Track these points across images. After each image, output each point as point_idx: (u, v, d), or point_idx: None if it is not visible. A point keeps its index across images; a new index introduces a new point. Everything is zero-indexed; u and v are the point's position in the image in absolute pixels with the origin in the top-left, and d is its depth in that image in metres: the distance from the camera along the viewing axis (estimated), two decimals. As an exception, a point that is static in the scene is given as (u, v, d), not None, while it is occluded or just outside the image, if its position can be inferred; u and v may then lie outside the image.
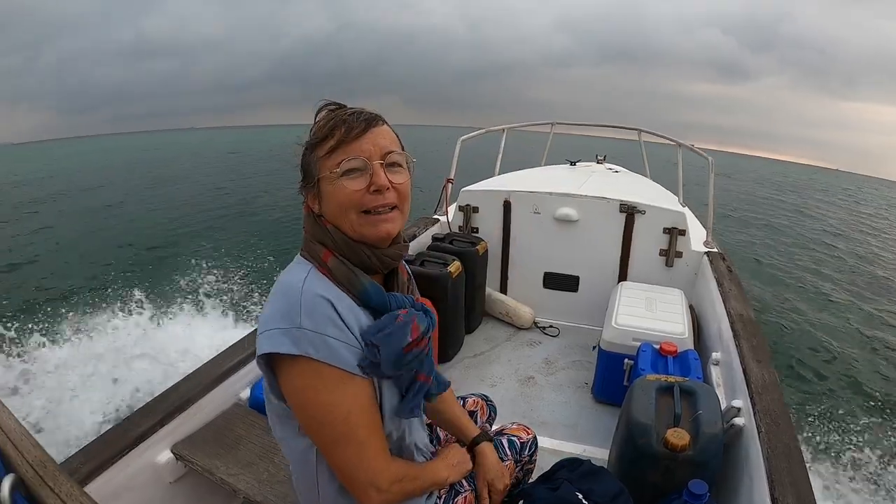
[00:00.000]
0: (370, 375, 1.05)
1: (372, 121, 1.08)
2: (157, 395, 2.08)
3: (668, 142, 5.07)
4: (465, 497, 1.39)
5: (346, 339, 1.02)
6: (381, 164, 1.06)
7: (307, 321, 0.99)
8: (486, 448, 1.47)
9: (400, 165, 1.10)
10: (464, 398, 1.70)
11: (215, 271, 8.22)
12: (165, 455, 1.97)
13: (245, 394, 2.30)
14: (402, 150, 1.12)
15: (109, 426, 1.97)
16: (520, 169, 5.20)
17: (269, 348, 0.99)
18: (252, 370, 2.34)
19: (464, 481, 1.41)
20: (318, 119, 1.10)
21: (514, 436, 1.60)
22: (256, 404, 2.28)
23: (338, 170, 1.04)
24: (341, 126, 1.05)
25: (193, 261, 8.62)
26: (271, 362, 1.02)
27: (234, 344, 2.40)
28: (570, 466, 1.61)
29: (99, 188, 22.45)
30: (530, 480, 1.64)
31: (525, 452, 1.61)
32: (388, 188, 1.06)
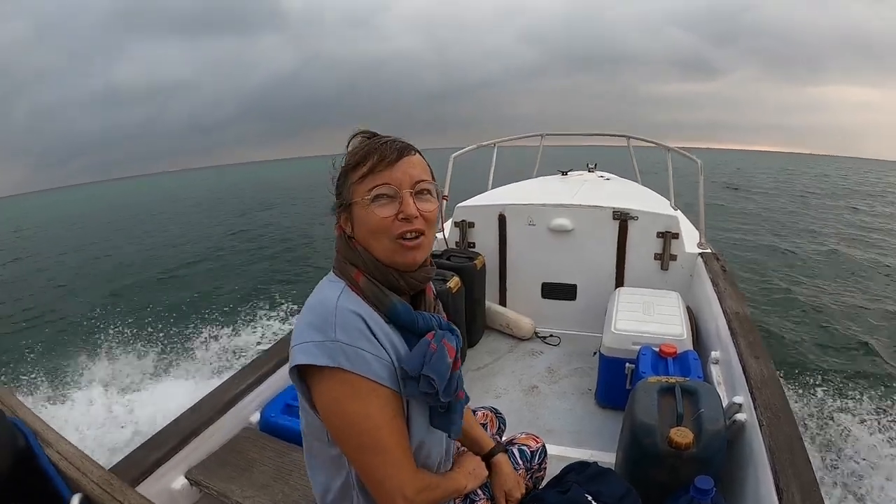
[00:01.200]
0: (411, 396, 1.09)
1: (404, 150, 1.13)
2: (169, 422, 2.11)
3: (651, 145, 5.21)
4: None
5: (377, 353, 1.06)
6: (411, 192, 1.11)
7: (342, 335, 1.03)
8: (502, 459, 1.52)
9: (429, 193, 1.14)
10: (473, 411, 1.73)
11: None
12: (180, 481, 2.00)
13: (255, 417, 2.33)
14: (433, 178, 1.17)
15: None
16: (512, 181, 5.27)
17: (304, 360, 1.02)
18: (261, 394, 2.37)
19: (479, 490, 1.45)
20: (351, 146, 1.16)
21: (523, 445, 1.64)
22: (267, 427, 2.30)
23: (369, 196, 1.09)
24: (374, 154, 1.10)
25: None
26: (304, 374, 1.06)
27: (243, 368, 2.44)
28: (579, 469, 1.64)
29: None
30: (541, 486, 1.67)
31: (535, 461, 1.65)
32: (416, 216, 1.10)
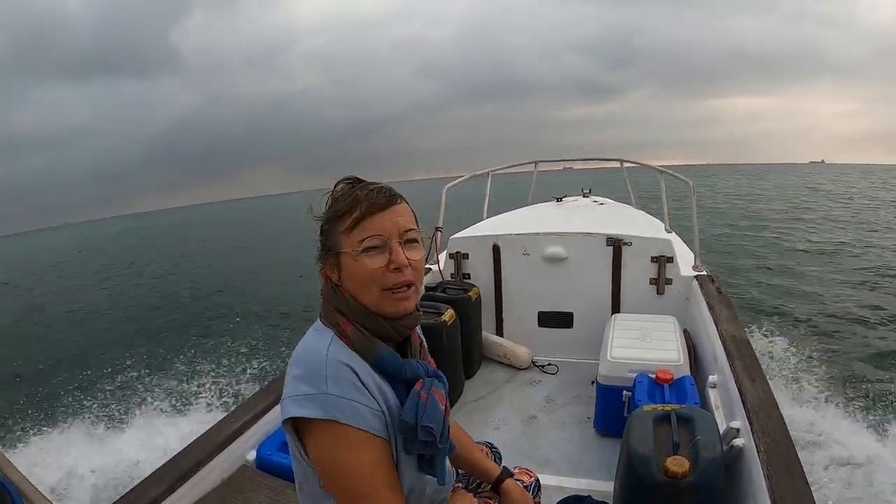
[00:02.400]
0: (405, 451, 1.11)
1: (391, 199, 1.13)
2: (164, 461, 2.09)
3: (612, 163, 5.45)
4: None
5: (368, 403, 1.06)
6: (400, 242, 1.12)
7: (333, 387, 1.03)
8: (511, 484, 1.55)
9: (416, 241, 1.15)
10: None
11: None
12: None
13: (251, 455, 2.31)
14: (417, 225, 1.18)
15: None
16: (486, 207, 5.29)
17: (297, 412, 1.02)
18: (257, 432, 2.36)
19: None
20: (337, 192, 1.15)
21: (518, 480, 1.63)
22: (263, 465, 2.29)
23: (359, 247, 1.10)
24: (362, 203, 1.10)
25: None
26: (296, 425, 1.06)
27: (239, 406, 2.44)
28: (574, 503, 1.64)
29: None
30: None
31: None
32: (406, 266, 1.11)
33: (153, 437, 5.08)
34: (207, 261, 22.97)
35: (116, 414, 6.14)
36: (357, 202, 1.10)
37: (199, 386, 6.77)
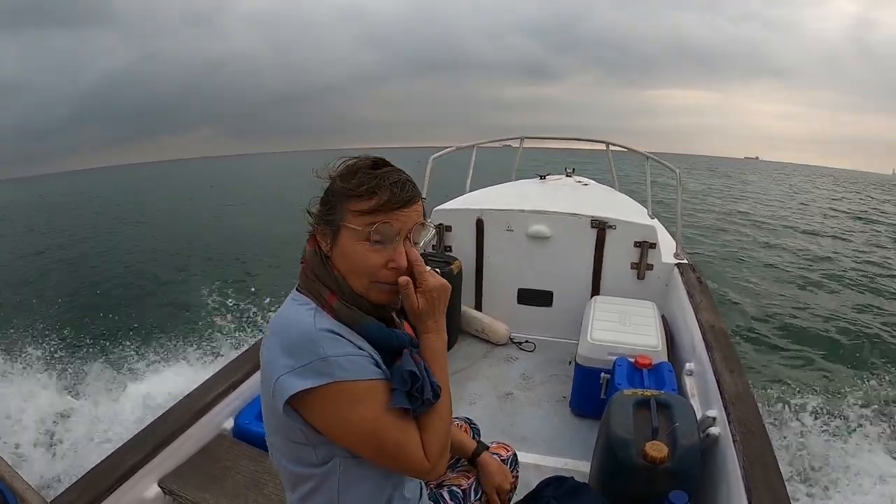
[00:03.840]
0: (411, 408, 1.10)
1: (412, 199, 1.11)
2: (141, 428, 2.07)
3: (597, 147, 5.58)
4: None
5: (362, 353, 1.07)
6: (405, 242, 1.11)
7: (328, 348, 1.02)
8: (487, 457, 1.58)
9: (417, 242, 1.14)
10: None
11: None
12: (153, 490, 1.96)
13: (229, 424, 2.30)
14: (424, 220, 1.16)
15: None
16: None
17: (301, 385, 1.01)
18: (234, 400, 2.34)
19: (472, 494, 1.51)
20: (359, 165, 1.12)
21: (495, 454, 1.65)
22: (241, 434, 2.28)
23: (366, 234, 1.08)
24: (384, 192, 1.08)
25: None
26: (294, 401, 1.04)
27: (216, 373, 2.40)
28: (556, 484, 1.65)
29: None
30: (513, 495, 1.67)
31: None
32: (405, 267, 1.11)
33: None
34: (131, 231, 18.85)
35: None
36: (377, 190, 1.08)
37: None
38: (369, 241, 1.08)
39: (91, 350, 6.46)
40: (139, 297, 9.64)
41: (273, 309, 7.23)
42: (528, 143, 6.03)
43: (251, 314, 7.42)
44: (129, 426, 4.17)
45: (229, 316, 7.54)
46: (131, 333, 7.07)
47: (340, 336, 1.06)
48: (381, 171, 1.10)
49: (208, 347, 6.40)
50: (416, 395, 1.08)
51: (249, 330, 6.83)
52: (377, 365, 1.09)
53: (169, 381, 5.19)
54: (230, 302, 8.10)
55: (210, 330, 7.02)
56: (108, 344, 6.69)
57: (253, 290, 8.36)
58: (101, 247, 15.64)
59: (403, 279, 1.11)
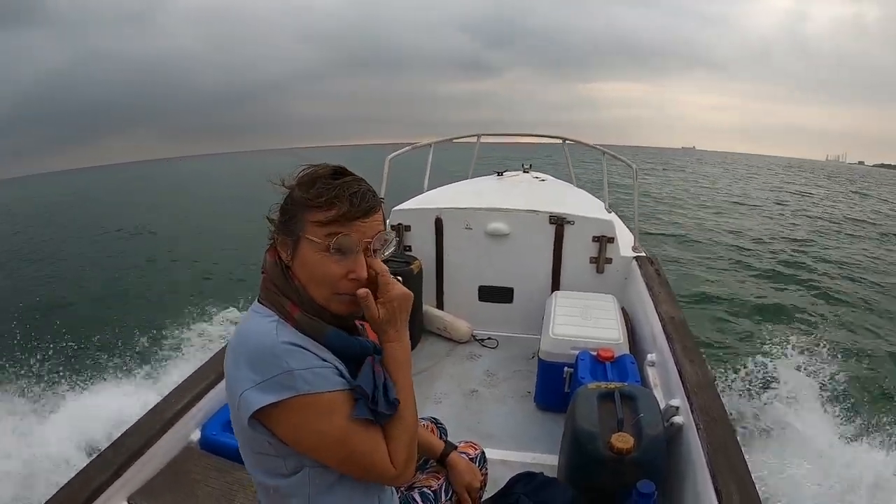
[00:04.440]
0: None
1: (372, 209, 1.10)
2: (109, 444, 2.01)
3: (554, 141, 5.67)
4: None
5: (325, 365, 1.06)
6: (367, 252, 1.09)
7: (293, 363, 1.01)
8: (455, 457, 1.57)
9: (377, 250, 1.13)
10: None
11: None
12: None
13: (195, 435, 2.25)
14: (386, 230, 1.15)
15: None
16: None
17: (265, 401, 0.99)
18: (200, 410, 2.30)
19: (442, 494, 1.50)
20: (317, 175, 1.10)
21: (462, 453, 1.65)
22: (208, 445, 2.23)
23: (325, 245, 1.06)
24: (344, 201, 1.06)
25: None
26: (259, 415, 1.02)
27: (180, 384, 2.35)
28: (526, 480, 1.66)
29: None
30: (484, 492, 1.68)
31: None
32: (365, 278, 1.09)
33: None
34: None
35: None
36: (337, 201, 1.06)
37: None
38: (329, 252, 1.06)
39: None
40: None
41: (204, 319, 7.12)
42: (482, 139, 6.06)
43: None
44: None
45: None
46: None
47: (304, 348, 1.05)
48: (341, 182, 1.08)
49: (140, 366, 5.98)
50: (372, 407, 1.07)
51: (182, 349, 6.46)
52: (341, 375, 1.08)
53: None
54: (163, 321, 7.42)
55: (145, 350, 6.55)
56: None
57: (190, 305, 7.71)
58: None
59: (362, 291, 1.10)
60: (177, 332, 6.90)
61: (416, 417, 1.19)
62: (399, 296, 1.15)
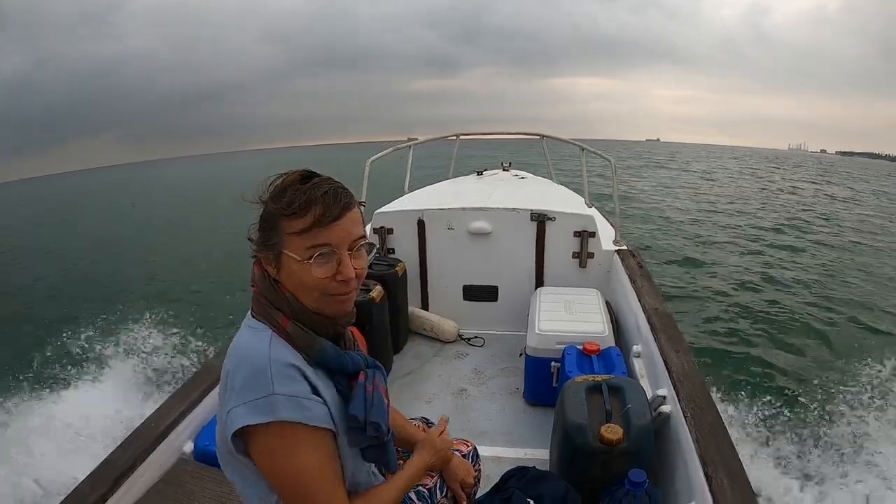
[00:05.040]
0: (352, 439, 1.11)
1: (347, 207, 1.09)
2: (101, 461, 1.98)
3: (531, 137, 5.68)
4: None
5: (312, 397, 1.06)
6: (350, 251, 1.09)
7: (279, 386, 1.01)
8: (447, 452, 1.57)
9: (364, 248, 1.13)
10: None
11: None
12: None
13: (189, 447, 2.23)
14: (364, 228, 1.15)
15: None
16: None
17: (249, 421, 1.00)
18: (193, 421, 2.28)
19: (437, 492, 1.49)
20: (287, 184, 1.09)
21: (455, 450, 1.66)
22: (202, 456, 2.21)
23: (307, 254, 1.06)
24: (317, 205, 1.05)
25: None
26: (241, 433, 1.03)
27: (172, 395, 2.33)
28: (519, 475, 1.69)
29: None
30: (478, 489, 1.69)
31: None
32: (353, 278, 1.10)
33: None
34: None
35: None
36: (310, 206, 1.05)
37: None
38: (313, 260, 1.07)
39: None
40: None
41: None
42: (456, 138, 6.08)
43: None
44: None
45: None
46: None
47: (298, 371, 1.05)
48: (311, 184, 1.08)
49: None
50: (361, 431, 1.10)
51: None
52: (329, 410, 1.08)
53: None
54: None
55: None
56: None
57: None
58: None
59: (444, 418, 1.46)
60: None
61: (415, 476, 1.29)
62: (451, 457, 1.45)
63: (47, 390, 5.23)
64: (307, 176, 1.10)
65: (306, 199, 1.05)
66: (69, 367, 5.76)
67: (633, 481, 1.74)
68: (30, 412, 4.66)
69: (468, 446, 1.71)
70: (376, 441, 1.12)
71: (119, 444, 2.06)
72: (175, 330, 6.45)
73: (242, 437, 1.04)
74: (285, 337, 1.09)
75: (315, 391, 1.07)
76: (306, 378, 1.06)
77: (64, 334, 6.72)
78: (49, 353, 6.35)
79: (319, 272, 1.07)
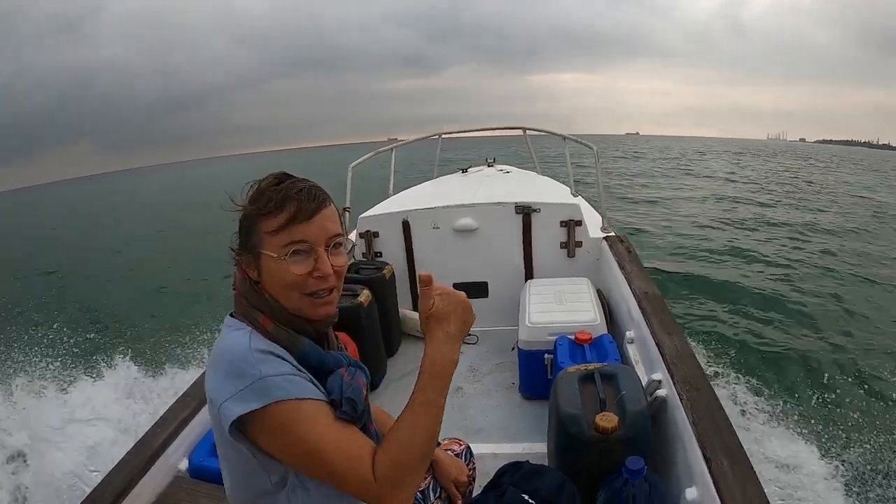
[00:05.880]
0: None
1: (321, 204, 1.09)
2: (95, 485, 1.95)
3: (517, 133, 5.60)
4: None
5: (303, 374, 1.05)
6: (327, 249, 1.09)
7: (266, 368, 1.00)
8: (439, 453, 1.55)
9: (342, 245, 1.13)
10: None
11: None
12: None
13: (184, 464, 2.20)
14: (343, 226, 1.15)
15: None
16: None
17: (242, 410, 0.97)
18: (186, 438, 2.25)
19: (430, 494, 1.47)
20: (263, 186, 1.10)
21: (447, 450, 1.63)
22: (197, 473, 2.19)
23: (284, 252, 1.06)
24: (291, 204, 1.06)
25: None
26: (240, 425, 1.00)
27: (165, 414, 2.31)
28: (513, 470, 1.65)
29: None
30: (473, 487, 1.66)
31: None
32: (330, 274, 1.09)
33: None
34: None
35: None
36: (285, 203, 1.06)
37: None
38: (289, 258, 1.06)
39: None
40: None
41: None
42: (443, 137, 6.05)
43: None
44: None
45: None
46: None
47: (277, 356, 1.04)
48: (286, 184, 1.09)
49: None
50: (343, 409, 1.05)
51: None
52: (314, 385, 1.06)
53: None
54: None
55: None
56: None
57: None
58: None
59: (426, 274, 1.15)
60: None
61: (424, 441, 1.10)
62: (463, 301, 1.18)
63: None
64: (282, 178, 1.11)
65: (281, 198, 1.06)
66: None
67: (631, 469, 1.70)
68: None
69: (460, 445, 1.69)
70: (351, 419, 1.06)
71: (114, 465, 2.03)
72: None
73: (241, 429, 1.01)
74: (266, 335, 1.08)
75: (299, 368, 1.06)
76: (285, 359, 1.05)
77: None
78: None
79: (297, 269, 1.06)
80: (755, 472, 1.60)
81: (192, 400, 2.37)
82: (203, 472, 2.18)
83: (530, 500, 1.54)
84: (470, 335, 3.87)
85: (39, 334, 6.96)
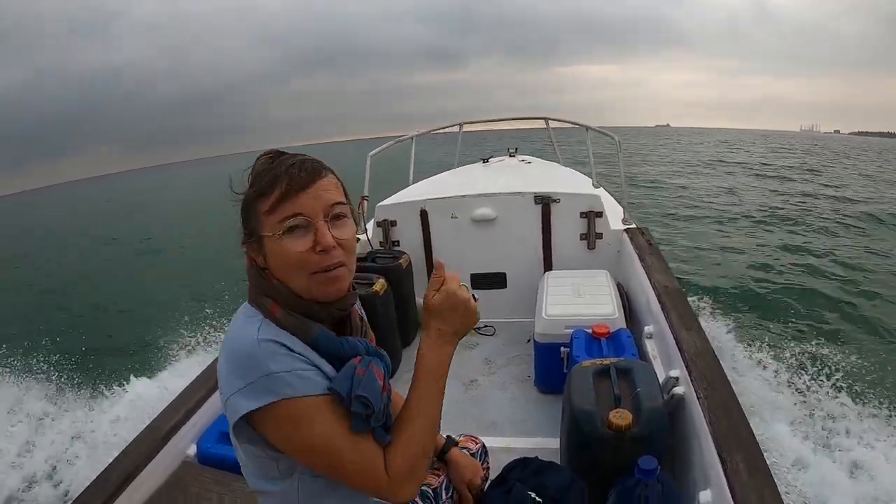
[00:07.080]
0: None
1: (316, 172, 1.04)
2: (103, 469, 1.96)
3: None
4: None
5: (308, 367, 1.01)
6: (326, 220, 1.03)
7: (273, 364, 0.97)
8: (457, 453, 1.50)
9: (345, 216, 1.07)
10: None
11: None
12: None
13: (192, 450, 2.21)
14: (347, 197, 1.09)
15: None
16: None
17: (250, 406, 0.96)
18: (195, 424, 2.25)
19: (443, 492, 1.44)
20: (257, 168, 1.07)
21: (463, 448, 1.59)
22: (205, 458, 2.19)
23: (280, 229, 1.02)
24: (283, 179, 1.01)
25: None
26: (249, 419, 0.99)
27: (175, 399, 2.31)
28: (521, 466, 1.61)
29: None
30: (485, 486, 1.62)
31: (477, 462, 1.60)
32: (333, 247, 1.03)
33: None
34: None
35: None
36: (277, 180, 1.02)
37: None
38: (287, 234, 1.02)
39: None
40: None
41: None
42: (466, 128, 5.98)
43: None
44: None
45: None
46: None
47: (287, 347, 1.00)
48: (279, 161, 1.06)
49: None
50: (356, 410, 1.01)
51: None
52: (327, 377, 1.03)
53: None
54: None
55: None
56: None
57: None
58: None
59: (440, 262, 1.15)
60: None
61: (429, 432, 1.11)
62: (463, 301, 1.15)
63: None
64: (275, 156, 1.08)
65: (274, 174, 1.03)
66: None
67: (644, 469, 1.64)
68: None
69: (477, 443, 1.65)
70: (366, 416, 1.02)
71: (123, 448, 2.05)
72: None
73: (248, 422, 1.00)
74: (275, 322, 1.04)
75: (308, 360, 1.02)
76: (300, 353, 1.01)
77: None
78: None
79: (295, 245, 1.01)
80: (773, 477, 1.54)
81: (202, 386, 2.37)
82: (211, 459, 2.18)
83: (537, 498, 1.50)
84: (487, 326, 3.83)
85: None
